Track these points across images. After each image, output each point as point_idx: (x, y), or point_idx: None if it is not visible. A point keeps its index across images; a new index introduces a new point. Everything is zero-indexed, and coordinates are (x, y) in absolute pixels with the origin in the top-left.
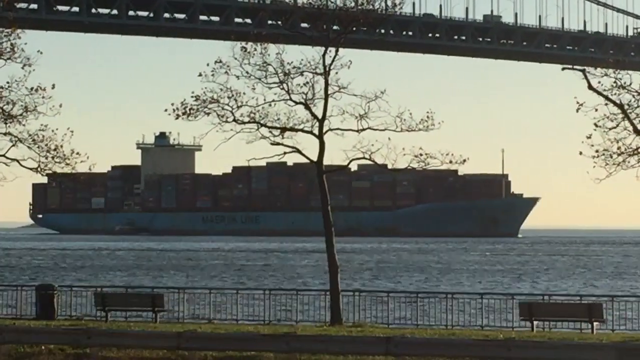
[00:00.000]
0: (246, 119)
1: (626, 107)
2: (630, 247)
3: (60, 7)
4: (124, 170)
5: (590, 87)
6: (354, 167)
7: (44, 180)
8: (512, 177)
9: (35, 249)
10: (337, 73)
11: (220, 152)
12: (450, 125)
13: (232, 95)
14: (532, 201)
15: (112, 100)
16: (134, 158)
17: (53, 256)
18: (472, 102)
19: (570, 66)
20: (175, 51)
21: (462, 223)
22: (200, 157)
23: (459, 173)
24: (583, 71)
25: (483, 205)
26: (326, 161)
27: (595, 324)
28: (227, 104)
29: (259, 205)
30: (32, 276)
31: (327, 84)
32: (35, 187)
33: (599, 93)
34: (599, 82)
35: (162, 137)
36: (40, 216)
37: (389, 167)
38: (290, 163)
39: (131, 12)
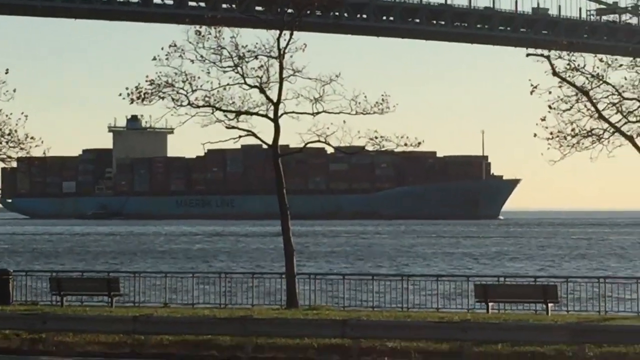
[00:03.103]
0: (201, 103)
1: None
2: (605, 229)
3: None
4: (95, 154)
5: (554, 72)
6: (330, 149)
7: (14, 164)
8: (492, 158)
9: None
10: (291, 56)
11: (193, 135)
12: (428, 108)
13: (187, 79)
14: (513, 183)
15: (82, 83)
16: (106, 141)
17: (20, 240)
18: (447, 85)
19: (535, 52)
20: (141, 35)
21: (442, 205)
22: (172, 140)
23: (439, 155)
24: (547, 57)
25: (463, 187)
26: (295, 144)
27: (549, 305)
28: (182, 88)
29: (233, 189)
30: None
31: (281, 68)
32: (4, 171)
33: (563, 79)
34: (554, 67)
35: (133, 120)
36: (9, 201)
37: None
38: (265, 146)
39: None
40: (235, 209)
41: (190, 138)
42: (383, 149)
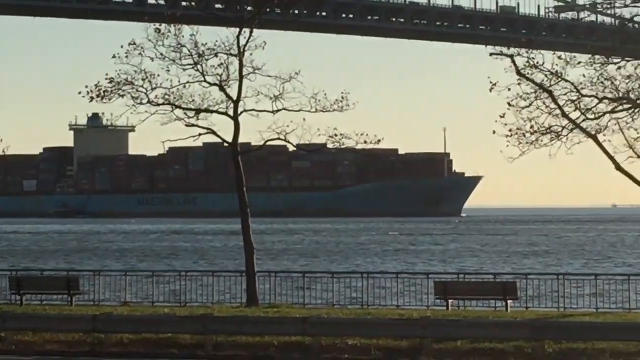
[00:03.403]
0: (160, 101)
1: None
2: (564, 226)
3: None
4: (56, 152)
5: (518, 72)
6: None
7: None
8: (453, 155)
9: None
10: (251, 54)
11: (155, 133)
12: (389, 106)
13: (146, 77)
14: (475, 180)
15: (43, 82)
16: (67, 139)
17: None
18: (408, 83)
19: (498, 51)
20: (101, 33)
21: (404, 203)
22: (134, 138)
23: (400, 152)
24: (511, 56)
25: (425, 185)
26: (256, 142)
27: (509, 301)
28: (142, 86)
29: (196, 187)
30: None
31: (241, 65)
32: None
33: (527, 78)
34: (518, 66)
35: (95, 118)
36: None
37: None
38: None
39: None
40: (197, 207)
41: (152, 136)
42: (343, 147)
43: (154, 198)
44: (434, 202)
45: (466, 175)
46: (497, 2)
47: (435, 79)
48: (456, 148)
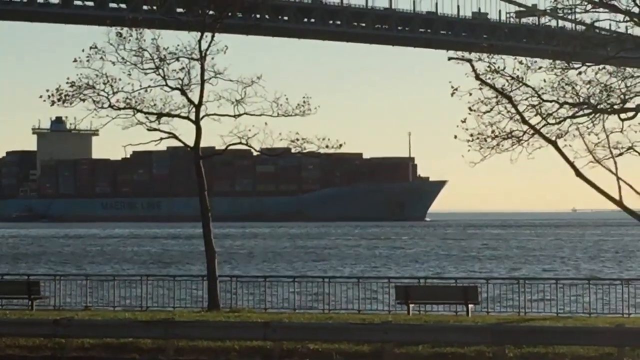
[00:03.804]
0: (122, 105)
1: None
2: (526, 230)
3: None
4: (19, 156)
5: (477, 77)
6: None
7: None
8: (418, 160)
9: None
10: (213, 58)
11: (119, 137)
12: (354, 110)
13: (108, 81)
14: (439, 184)
15: (5, 85)
16: (30, 143)
17: None
18: (373, 88)
19: (456, 56)
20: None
21: (369, 207)
22: (97, 141)
23: (365, 156)
24: (470, 61)
25: (389, 189)
26: (220, 146)
27: (470, 306)
28: (103, 90)
29: (160, 191)
30: None
31: (203, 70)
32: None
33: (485, 83)
34: (477, 71)
35: (58, 121)
36: None
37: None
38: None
39: None
40: (162, 211)
41: (115, 140)
42: (305, 151)
43: (118, 202)
44: (399, 207)
45: (431, 180)
46: (458, 8)
47: (400, 83)
48: (421, 153)
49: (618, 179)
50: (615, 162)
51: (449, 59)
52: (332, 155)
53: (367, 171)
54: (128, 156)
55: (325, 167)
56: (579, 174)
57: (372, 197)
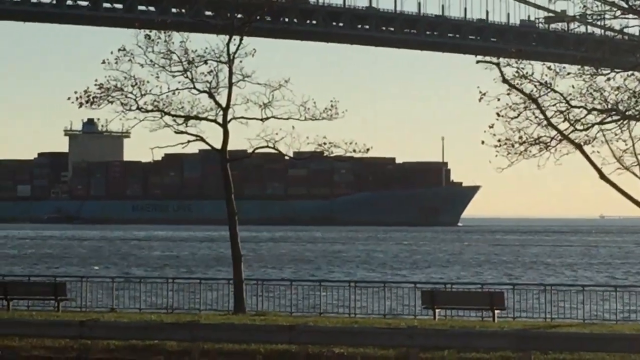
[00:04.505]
0: (149, 107)
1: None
2: (561, 236)
3: None
4: (50, 158)
5: (504, 80)
6: (289, 154)
7: None
8: (451, 165)
9: None
10: (241, 62)
11: (150, 139)
12: (386, 114)
13: (136, 84)
14: (473, 190)
15: (37, 87)
16: (62, 145)
17: None
18: (407, 92)
19: (484, 59)
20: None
21: (402, 212)
22: (129, 143)
23: (398, 161)
24: (497, 64)
25: (423, 194)
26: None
27: (496, 311)
28: (131, 92)
29: (191, 194)
30: None
31: (231, 73)
32: None
33: (512, 86)
34: (504, 74)
35: (90, 123)
36: None
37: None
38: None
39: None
40: (192, 214)
41: (147, 142)
42: (336, 155)
43: (149, 205)
44: (432, 212)
45: (464, 185)
46: (487, 13)
47: (432, 88)
48: (454, 157)
49: None
50: None
51: (477, 61)
52: (364, 160)
53: (400, 176)
54: (159, 159)
55: (358, 171)
56: (603, 176)
57: (405, 202)
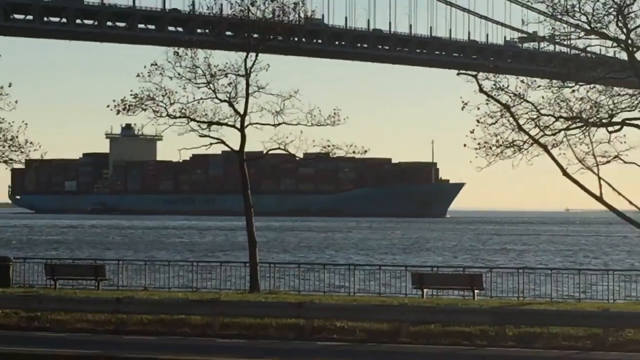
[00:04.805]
0: (178, 114)
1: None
2: (531, 226)
3: (16, 16)
4: (94, 157)
5: (480, 90)
6: (300, 155)
7: (22, 166)
8: (440, 165)
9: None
10: (256, 75)
11: (180, 142)
12: (384, 121)
13: (166, 94)
14: (458, 186)
15: (82, 96)
16: (103, 146)
17: (27, 231)
18: (401, 102)
19: (464, 72)
20: (129, 55)
21: (398, 205)
22: (161, 145)
23: (394, 161)
24: (475, 76)
25: (415, 190)
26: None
27: (476, 291)
28: (162, 101)
29: (215, 189)
30: None
31: (248, 85)
32: (14, 171)
33: (487, 95)
34: (481, 85)
35: (127, 128)
36: (18, 197)
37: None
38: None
39: (78, 21)
40: (216, 207)
41: (177, 144)
42: (341, 156)
43: (178, 199)
44: (424, 205)
45: (451, 182)
46: (469, 34)
47: (422, 98)
48: (442, 158)
49: (599, 178)
50: (598, 167)
51: (458, 74)
52: (365, 160)
53: (396, 174)
54: (187, 159)
55: (359, 170)
56: (565, 173)
57: (401, 197)
